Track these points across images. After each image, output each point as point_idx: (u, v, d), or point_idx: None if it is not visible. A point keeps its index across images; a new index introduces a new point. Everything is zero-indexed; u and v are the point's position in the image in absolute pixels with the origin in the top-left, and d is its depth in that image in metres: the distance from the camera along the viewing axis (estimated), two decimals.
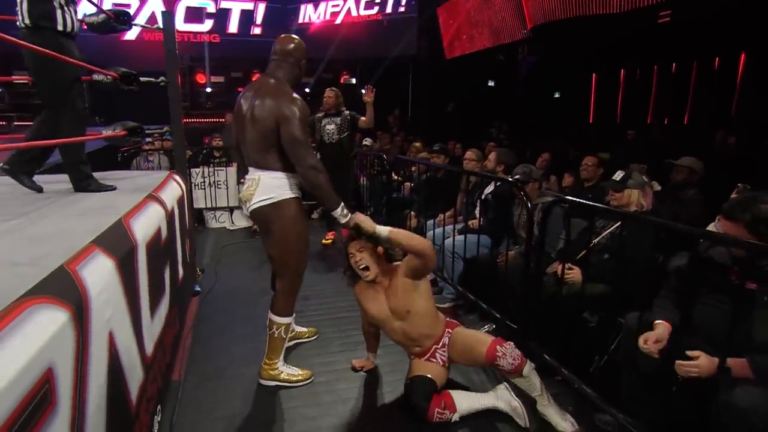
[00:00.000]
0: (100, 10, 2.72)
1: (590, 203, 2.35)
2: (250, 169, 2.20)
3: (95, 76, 2.68)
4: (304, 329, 2.87)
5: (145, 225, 2.01)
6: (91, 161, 3.70)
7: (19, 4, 2.23)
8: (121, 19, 2.73)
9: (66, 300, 1.17)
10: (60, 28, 2.29)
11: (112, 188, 2.54)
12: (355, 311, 3.29)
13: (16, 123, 7.70)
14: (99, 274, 1.41)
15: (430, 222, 3.79)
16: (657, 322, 1.88)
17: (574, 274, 2.45)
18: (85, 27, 2.73)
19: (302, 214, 2.25)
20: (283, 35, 2.27)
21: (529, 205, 2.50)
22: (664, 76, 9.74)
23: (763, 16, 5.73)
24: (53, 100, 2.38)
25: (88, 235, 1.56)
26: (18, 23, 2.26)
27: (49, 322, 1.09)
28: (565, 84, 11.40)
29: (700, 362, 1.65)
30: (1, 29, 1.72)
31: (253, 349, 2.63)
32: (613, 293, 2.36)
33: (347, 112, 4.52)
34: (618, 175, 2.54)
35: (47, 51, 2.04)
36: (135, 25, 2.91)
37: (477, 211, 3.41)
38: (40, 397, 0.98)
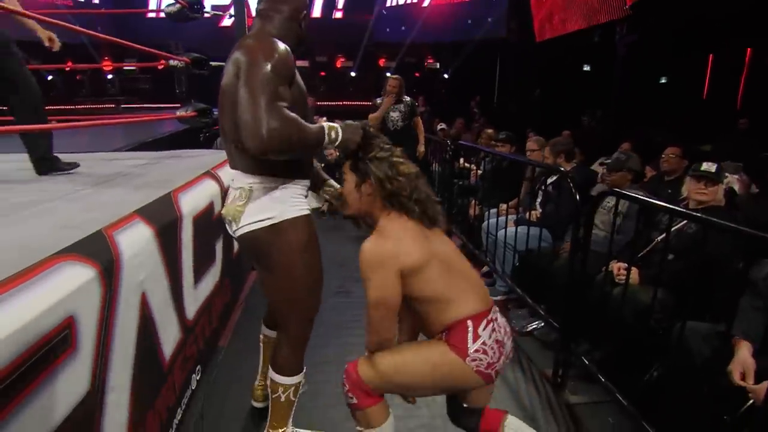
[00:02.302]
0: (176, 0, 2.94)
1: (659, 202, 2.11)
2: (235, 172, 1.53)
3: (171, 62, 2.91)
4: None
5: (195, 199, 2.18)
6: (173, 142, 4.04)
7: None
8: (194, 8, 2.93)
9: (95, 259, 1.31)
10: None
11: (75, 165, 2.48)
12: None
13: (123, 105, 8.68)
14: (135, 240, 1.56)
15: (492, 211, 3.65)
16: (740, 340, 1.64)
17: (632, 275, 2.24)
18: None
19: (313, 235, 1.59)
20: None
21: (577, 197, 2.29)
22: None
23: None
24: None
25: (135, 205, 1.73)
26: None
27: (74, 277, 1.23)
28: (674, 67, 10.23)
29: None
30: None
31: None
32: (678, 299, 2.12)
33: (408, 99, 4.51)
34: (711, 166, 2.25)
35: None
36: (207, 12, 3.11)
37: (538, 203, 3.22)
38: (58, 340, 1.12)
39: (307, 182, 1.61)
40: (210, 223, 2.37)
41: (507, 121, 8.61)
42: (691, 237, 2.20)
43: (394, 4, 13.07)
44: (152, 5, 13.05)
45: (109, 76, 11.76)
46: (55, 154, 2.50)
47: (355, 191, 1.46)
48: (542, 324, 2.80)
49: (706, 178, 2.29)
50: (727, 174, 2.33)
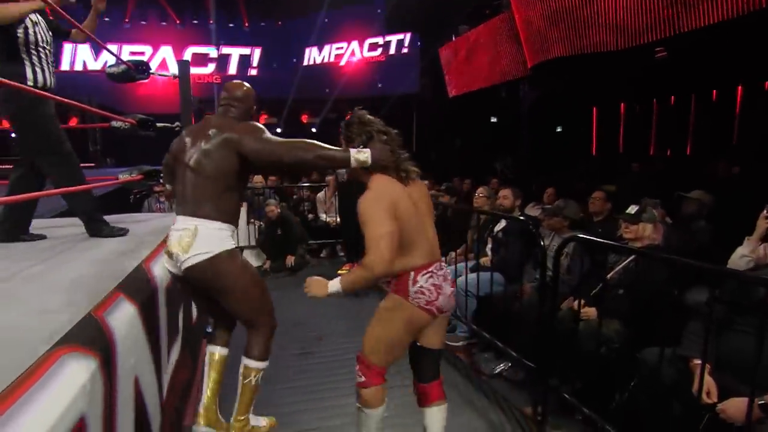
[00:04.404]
0: (120, 61, 2.84)
1: (614, 243, 2.36)
2: (180, 218, 1.83)
3: (113, 123, 2.77)
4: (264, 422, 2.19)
5: (163, 269, 2.04)
6: (103, 203, 3.77)
7: None
8: (140, 68, 2.85)
9: (94, 348, 1.19)
10: (30, 84, 2.30)
11: (125, 232, 2.56)
12: None
13: None
14: (123, 320, 1.44)
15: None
16: (696, 362, 1.83)
17: (590, 312, 2.45)
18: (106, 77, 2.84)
19: (245, 259, 1.99)
20: (233, 81, 2.09)
21: (542, 243, 2.50)
22: (664, 109, 9.90)
23: (757, 48, 5.90)
24: (39, 150, 2.37)
25: (112, 281, 1.59)
26: None
27: (80, 371, 1.10)
28: (567, 118, 11.59)
29: (727, 406, 1.63)
30: None
31: (270, 391, 2.59)
32: (630, 329, 2.35)
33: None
34: (632, 209, 2.57)
35: None
36: (152, 74, 3.04)
37: (489, 249, 3.43)
38: None
39: (234, 228, 1.93)
40: (176, 293, 2.22)
41: (430, 170, 9.10)
42: (634, 272, 2.47)
43: (312, 63, 13.56)
44: (64, 64, 12.31)
45: (13, 135, 10.61)
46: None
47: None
48: (509, 364, 2.91)
49: (628, 219, 2.62)
50: (652, 210, 2.66)
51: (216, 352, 2.11)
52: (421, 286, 1.68)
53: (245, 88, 2.02)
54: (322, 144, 1.81)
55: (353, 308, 4.07)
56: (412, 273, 1.69)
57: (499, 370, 2.95)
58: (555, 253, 2.29)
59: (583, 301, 2.55)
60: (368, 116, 1.84)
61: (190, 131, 1.94)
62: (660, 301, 2.20)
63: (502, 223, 3.37)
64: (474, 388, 2.77)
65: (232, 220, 1.89)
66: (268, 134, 1.85)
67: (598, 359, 2.34)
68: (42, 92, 2.18)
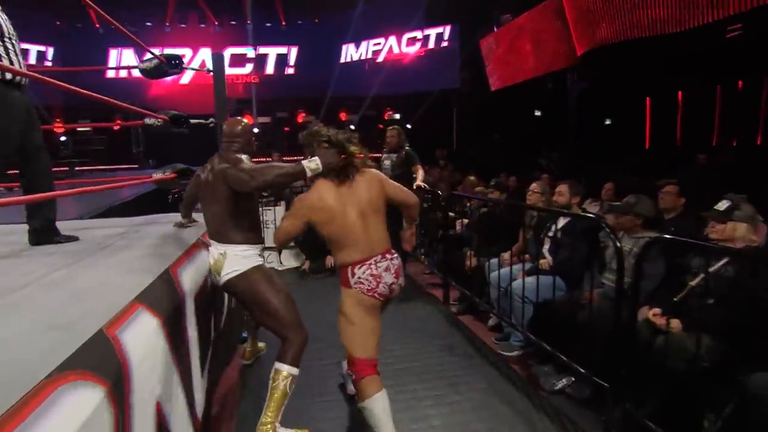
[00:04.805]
0: (153, 56, 2.72)
1: (707, 243, 2.02)
2: (213, 242, 2.13)
3: (147, 120, 2.65)
4: None
5: (194, 273, 1.87)
6: (141, 204, 3.68)
7: None
8: (173, 63, 2.72)
9: (102, 374, 1.00)
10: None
11: (75, 239, 2.39)
12: (416, 361, 3.04)
13: (77, 168, 8.20)
14: (142, 337, 1.25)
15: (492, 261, 3.50)
16: None
17: (674, 324, 2.11)
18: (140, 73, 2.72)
19: (270, 274, 2.23)
20: (231, 119, 2.38)
21: (618, 244, 2.17)
22: (729, 95, 9.11)
23: None
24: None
25: (133, 289, 1.42)
26: None
27: (83, 403, 0.92)
28: (618, 110, 10.91)
29: None
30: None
31: (306, 404, 2.40)
32: (725, 346, 1.99)
33: (407, 149, 4.51)
34: (722, 205, 2.20)
35: None
36: (187, 68, 2.91)
37: (546, 250, 3.10)
38: None
39: (260, 246, 2.22)
40: (208, 298, 2.05)
41: (469, 166, 8.75)
42: (730, 278, 2.10)
43: (349, 60, 13.43)
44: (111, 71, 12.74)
45: (62, 138, 11.17)
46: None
47: None
48: (573, 380, 2.59)
49: (716, 218, 2.25)
50: (748, 207, 2.27)
51: (284, 370, 2.06)
52: (359, 278, 1.94)
53: (243, 123, 2.30)
54: (280, 164, 2.03)
55: (399, 314, 3.83)
56: (350, 267, 1.94)
57: (561, 385, 2.64)
58: (637, 256, 1.96)
59: (661, 311, 2.23)
60: (316, 128, 2.08)
61: (204, 168, 2.21)
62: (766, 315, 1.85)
63: (561, 222, 3.04)
64: (533, 405, 2.47)
65: (255, 239, 2.17)
66: (244, 164, 2.04)
67: (681, 378, 2.01)
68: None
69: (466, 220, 4.59)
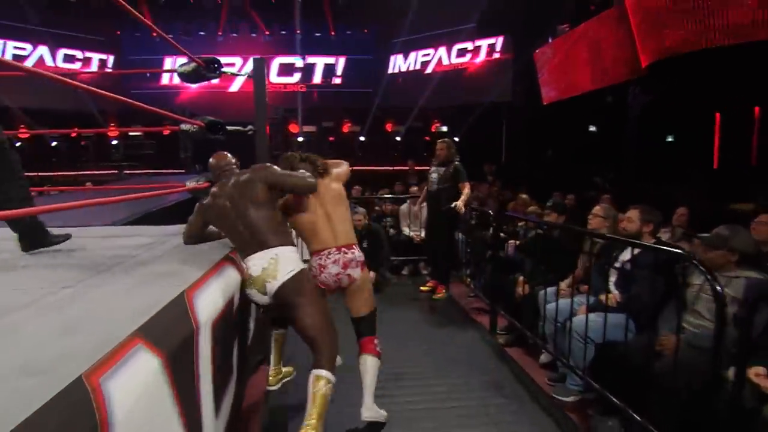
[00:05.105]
0: (190, 59, 2.59)
1: None
2: (258, 253, 2.07)
3: (183, 126, 2.52)
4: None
5: (214, 297, 1.67)
6: (176, 213, 3.56)
7: None
8: (210, 67, 2.58)
9: None
10: None
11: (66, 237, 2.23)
12: (457, 400, 2.73)
13: (126, 171, 8.48)
14: (136, 383, 1.04)
15: (548, 291, 3.13)
16: None
17: None
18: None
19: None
20: (218, 153, 2.36)
21: (718, 287, 1.78)
22: None
23: None
24: None
25: (135, 319, 1.21)
26: None
27: None
28: (682, 126, 10.13)
29: None
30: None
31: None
32: None
33: (456, 164, 4.35)
34: None
35: None
36: (225, 72, 2.77)
37: (613, 283, 2.72)
38: None
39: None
40: (230, 323, 1.85)
41: (519, 183, 8.32)
42: None
43: (396, 71, 13.29)
44: (164, 78, 13.24)
45: (114, 142, 11.68)
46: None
47: None
48: None
49: None
50: None
51: (278, 332, 2.43)
52: (311, 265, 2.27)
53: (227, 155, 2.36)
54: (302, 172, 2.25)
55: (440, 340, 3.53)
56: (311, 255, 2.29)
57: None
58: (744, 302, 1.59)
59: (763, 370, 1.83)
60: (290, 153, 2.44)
61: (213, 195, 2.19)
62: None
63: (630, 252, 2.65)
64: None
65: (294, 243, 2.20)
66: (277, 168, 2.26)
67: None
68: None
69: (516, 242, 4.23)
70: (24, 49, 11.34)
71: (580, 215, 4.27)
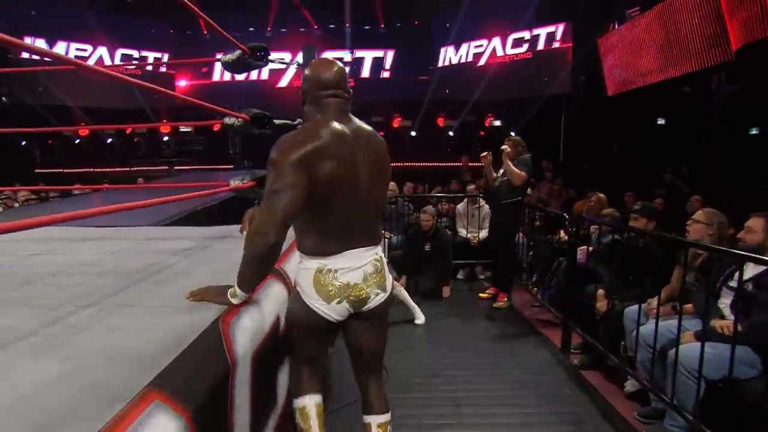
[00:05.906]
0: (236, 46, 2.36)
1: None
2: (357, 250, 1.49)
3: (226, 120, 2.29)
4: None
5: (257, 322, 1.39)
6: (221, 212, 3.39)
7: None
8: (257, 54, 2.34)
9: None
10: None
11: None
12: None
13: (176, 167, 8.62)
14: None
15: (632, 309, 2.68)
16: None
17: None
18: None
19: None
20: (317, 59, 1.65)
21: None
22: None
23: None
24: None
25: (157, 361, 0.95)
26: None
27: None
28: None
29: None
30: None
31: None
32: None
33: (524, 157, 4.15)
34: None
35: None
36: (271, 61, 2.53)
37: (728, 306, 2.25)
38: None
39: None
40: (276, 346, 1.57)
41: (578, 182, 7.70)
42: None
43: (447, 64, 12.81)
44: (216, 74, 13.47)
45: (165, 138, 12.01)
46: None
47: None
48: None
49: None
50: None
51: (374, 421, 1.69)
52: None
53: (338, 63, 1.68)
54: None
55: (504, 357, 3.16)
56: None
57: None
58: None
59: None
60: None
61: (346, 137, 1.45)
62: None
63: (753, 269, 2.17)
64: None
65: None
66: None
67: None
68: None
69: (589, 248, 3.76)
70: (85, 50, 11.80)
71: (668, 219, 3.77)
